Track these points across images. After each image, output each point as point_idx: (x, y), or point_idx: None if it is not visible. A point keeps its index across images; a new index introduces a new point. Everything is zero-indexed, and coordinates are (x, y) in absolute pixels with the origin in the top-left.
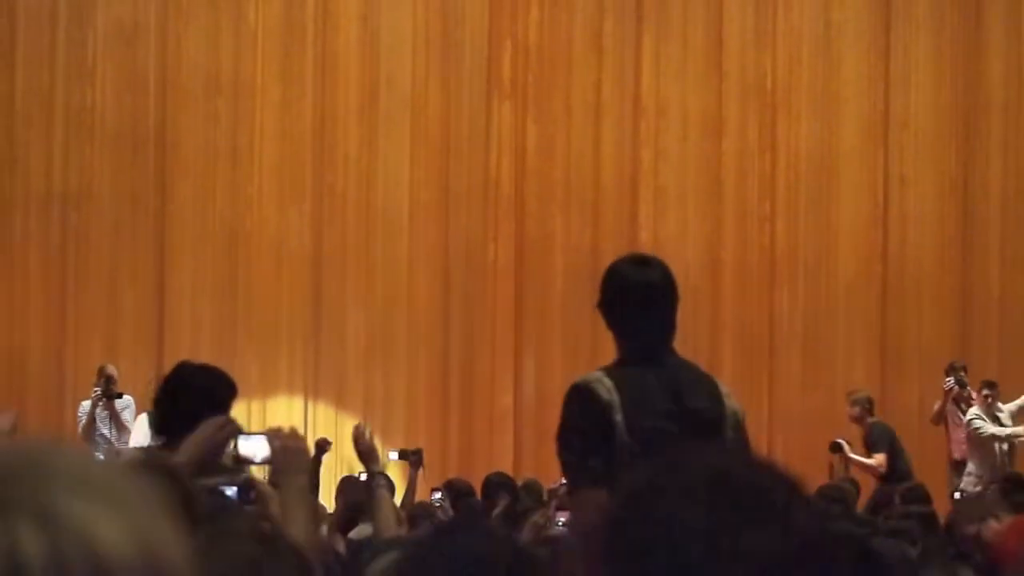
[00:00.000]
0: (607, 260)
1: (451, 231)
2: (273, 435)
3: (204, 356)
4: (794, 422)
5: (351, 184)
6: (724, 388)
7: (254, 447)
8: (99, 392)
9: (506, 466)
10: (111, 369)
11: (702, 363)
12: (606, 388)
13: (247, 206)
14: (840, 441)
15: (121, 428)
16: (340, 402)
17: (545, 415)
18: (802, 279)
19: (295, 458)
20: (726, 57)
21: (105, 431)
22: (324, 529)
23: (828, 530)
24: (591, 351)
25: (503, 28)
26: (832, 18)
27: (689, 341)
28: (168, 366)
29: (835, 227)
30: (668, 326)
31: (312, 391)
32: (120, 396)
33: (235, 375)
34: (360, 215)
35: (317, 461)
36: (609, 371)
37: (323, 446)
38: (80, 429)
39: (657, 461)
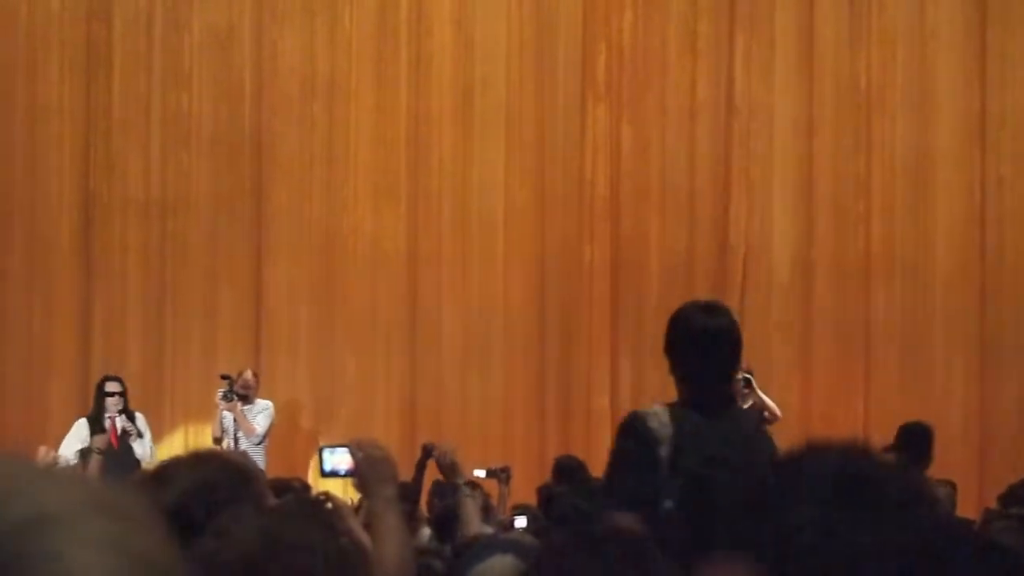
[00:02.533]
0: (702, 260)
1: (546, 233)
2: (355, 447)
3: (301, 360)
4: (891, 423)
5: (446, 187)
6: (776, 447)
7: (338, 460)
8: (226, 393)
9: (602, 467)
10: (248, 375)
11: (796, 365)
12: (660, 422)
13: (343, 209)
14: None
15: (249, 432)
16: (437, 403)
17: None
18: (899, 279)
19: (379, 468)
20: (819, 58)
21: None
22: (426, 532)
23: (950, 525)
24: None
25: (597, 30)
26: (927, 18)
27: (783, 342)
28: (266, 369)
29: (931, 227)
30: (729, 373)
31: (408, 393)
32: (252, 400)
33: (331, 378)
34: (455, 217)
35: (422, 465)
36: (671, 407)
37: (428, 450)
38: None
39: (779, 461)
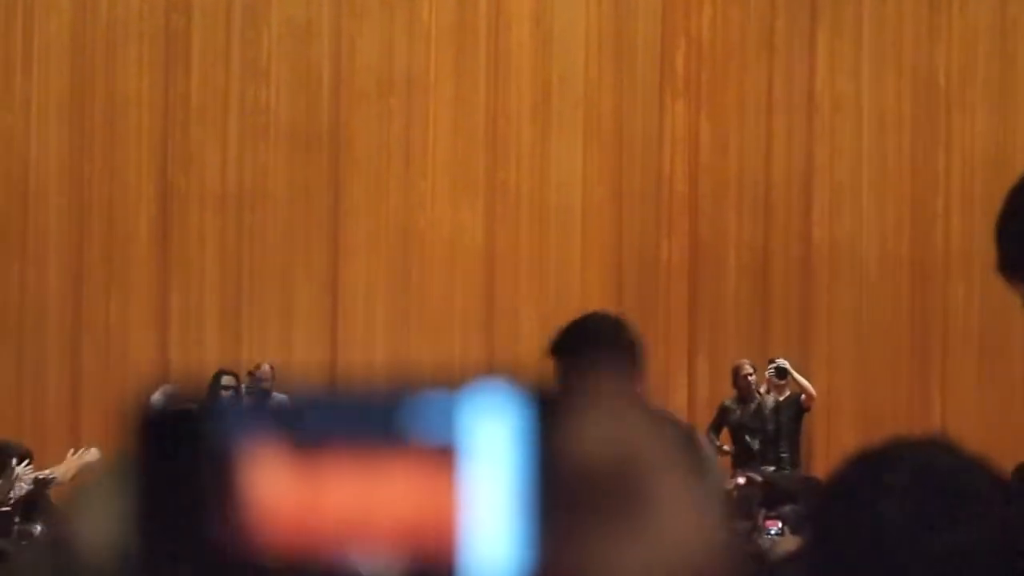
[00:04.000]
0: (780, 258)
1: (624, 229)
2: None
3: (378, 354)
4: (969, 421)
5: (524, 182)
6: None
7: None
8: (239, 385)
9: None
10: (265, 368)
11: (876, 359)
12: None
13: (420, 204)
14: None
15: None
16: None
17: None
18: (978, 276)
19: None
20: (901, 53)
21: None
22: None
23: None
24: (763, 349)
25: (676, 25)
26: (1008, 12)
27: (863, 337)
28: (342, 364)
29: None
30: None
31: None
32: (268, 394)
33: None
34: (533, 213)
35: None
36: None
37: None
38: None
39: (860, 457)
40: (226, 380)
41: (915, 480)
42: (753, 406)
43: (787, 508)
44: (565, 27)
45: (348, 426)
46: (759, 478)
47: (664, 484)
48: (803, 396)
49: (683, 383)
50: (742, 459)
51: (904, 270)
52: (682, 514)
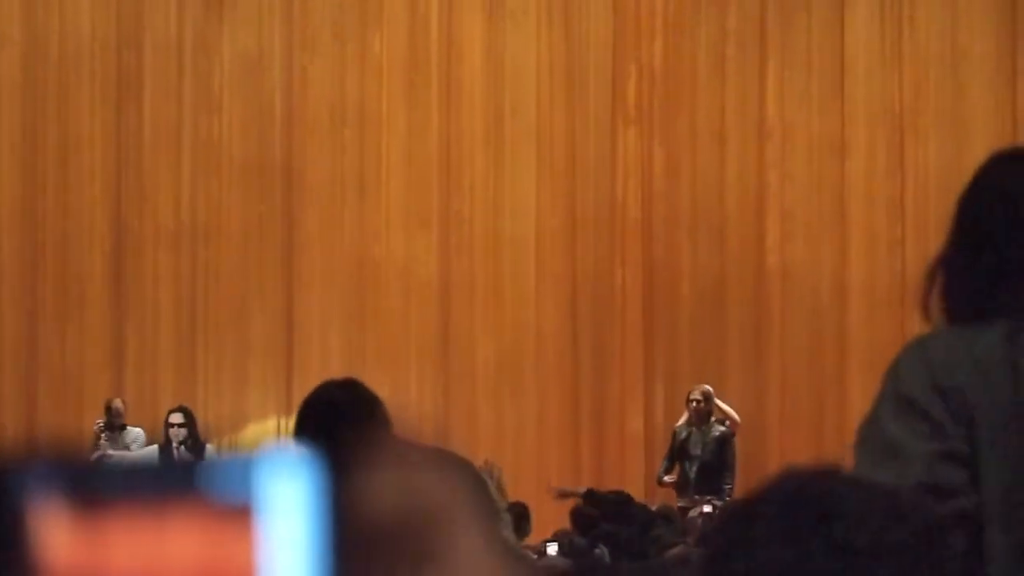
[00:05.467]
0: (734, 284)
1: (578, 256)
2: None
3: None
4: None
5: (478, 211)
6: None
7: None
8: (101, 424)
9: (638, 492)
10: (117, 402)
11: (830, 388)
12: None
13: (375, 235)
14: None
15: None
16: (470, 429)
17: None
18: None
19: None
20: (851, 80)
21: None
22: None
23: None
24: (719, 375)
25: (627, 54)
26: (959, 40)
27: (815, 364)
28: (298, 396)
29: None
30: None
31: (442, 419)
32: (124, 428)
33: None
34: (487, 242)
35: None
36: None
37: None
38: None
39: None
40: (173, 418)
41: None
42: (701, 432)
43: None
44: (516, 56)
45: (141, 487)
46: (718, 503)
47: (457, 532)
48: (727, 422)
49: (639, 410)
50: (682, 486)
51: (858, 297)
52: (477, 563)
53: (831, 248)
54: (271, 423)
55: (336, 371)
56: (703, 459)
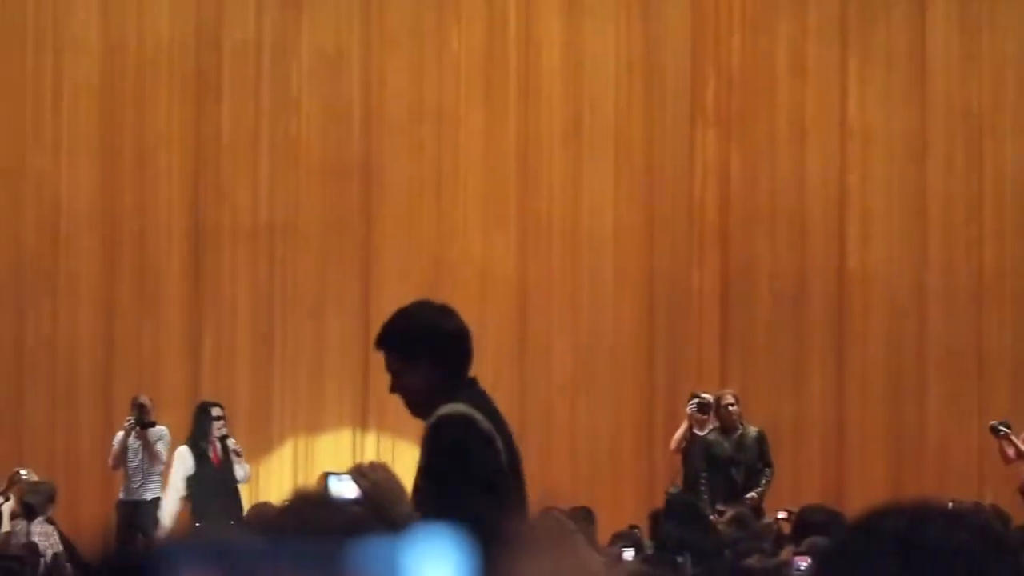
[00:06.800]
0: (813, 286)
1: (656, 257)
2: (358, 473)
3: None
4: None
5: (555, 210)
6: None
7: (344, 487)
8: (132, 421)
9: None
10: (144, 399)
11: (908, 387)
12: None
13: (452, 233)
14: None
15: (153, 458)
16: (546, 429)
17: None
18: (1010, 303)
19: (388, 490)
20: (931, 79)
21: (136, 462)
22: None
23: None
24: (796, 377)
25: (706, 54)
26: None
27: (895, 366)
28: (374, 394)
29: None
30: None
31: (517, 419)
32: (153, 425)
33: None
34: (565, 241)
35: None
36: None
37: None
38: (111, 459)
39: (851, 521)
40: (216, 411)
41: (903, 546)
42: (736, 437)
43: (815, 539)
44: (595, 54)
45: (289, 568)
46: (793, 511)
47: None
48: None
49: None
50: (724, 492)
51: (937, 297)
52: None
53: (911, 249)
54: (345, 437)
55: None
56: (747, 462)
